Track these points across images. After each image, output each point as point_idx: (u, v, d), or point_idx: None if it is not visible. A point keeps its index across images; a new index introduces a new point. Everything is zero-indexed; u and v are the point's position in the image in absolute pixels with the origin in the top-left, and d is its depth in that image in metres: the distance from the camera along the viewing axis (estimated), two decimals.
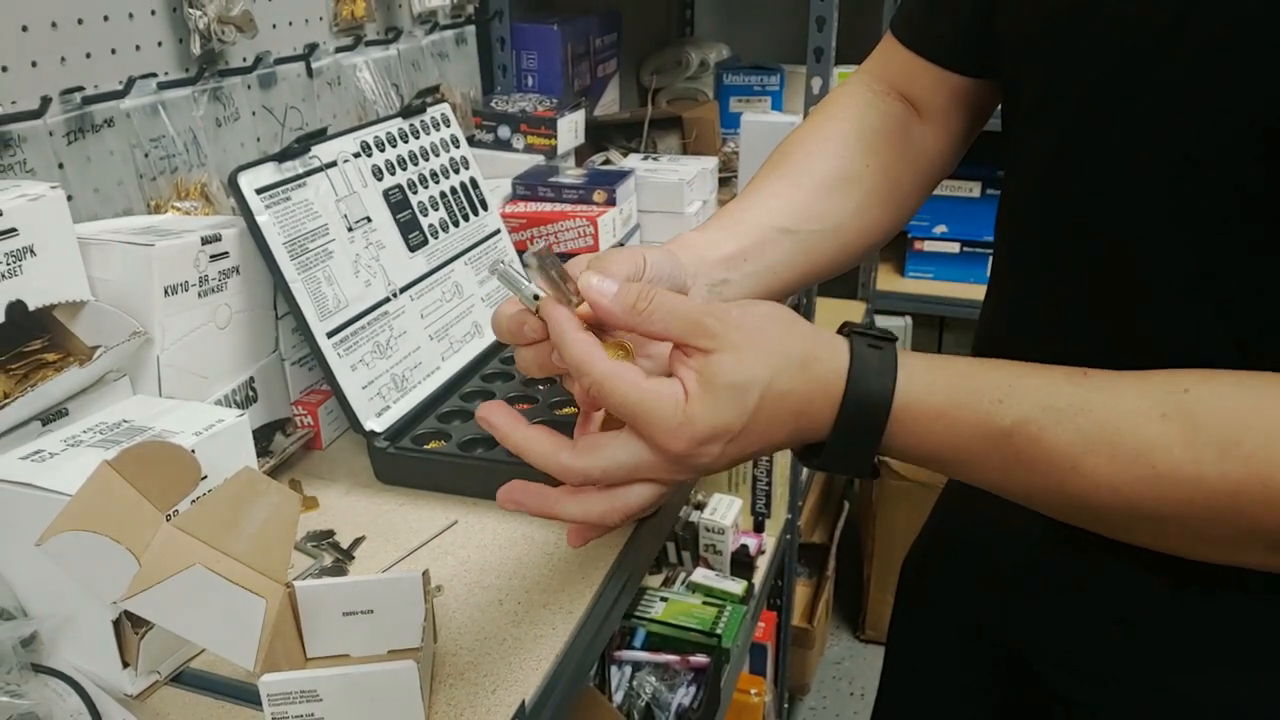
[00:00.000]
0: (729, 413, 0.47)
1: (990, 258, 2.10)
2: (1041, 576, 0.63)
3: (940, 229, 2.19)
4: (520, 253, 0.50)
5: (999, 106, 0.67)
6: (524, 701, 0.58)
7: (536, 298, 0.49)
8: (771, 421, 0.47)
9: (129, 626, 0.58)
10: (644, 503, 0.50)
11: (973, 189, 2.15)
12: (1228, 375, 0.45)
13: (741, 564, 1.44)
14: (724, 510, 1.43)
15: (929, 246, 2.22)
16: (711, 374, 0.47)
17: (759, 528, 1.56)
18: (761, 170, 0.68)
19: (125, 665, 0.58)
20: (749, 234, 0.63)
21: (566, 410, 0.86)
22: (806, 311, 1.48)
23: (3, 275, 0.62)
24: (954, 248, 2.19)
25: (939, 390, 0.47)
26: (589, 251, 1.13)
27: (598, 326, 0.50)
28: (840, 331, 0.50)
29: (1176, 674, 0.57)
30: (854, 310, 2.24)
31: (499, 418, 0.51)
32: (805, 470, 1.68)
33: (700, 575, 1.40)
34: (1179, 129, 0.49)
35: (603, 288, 0.48)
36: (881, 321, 2.31)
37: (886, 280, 2.27)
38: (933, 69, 0.68)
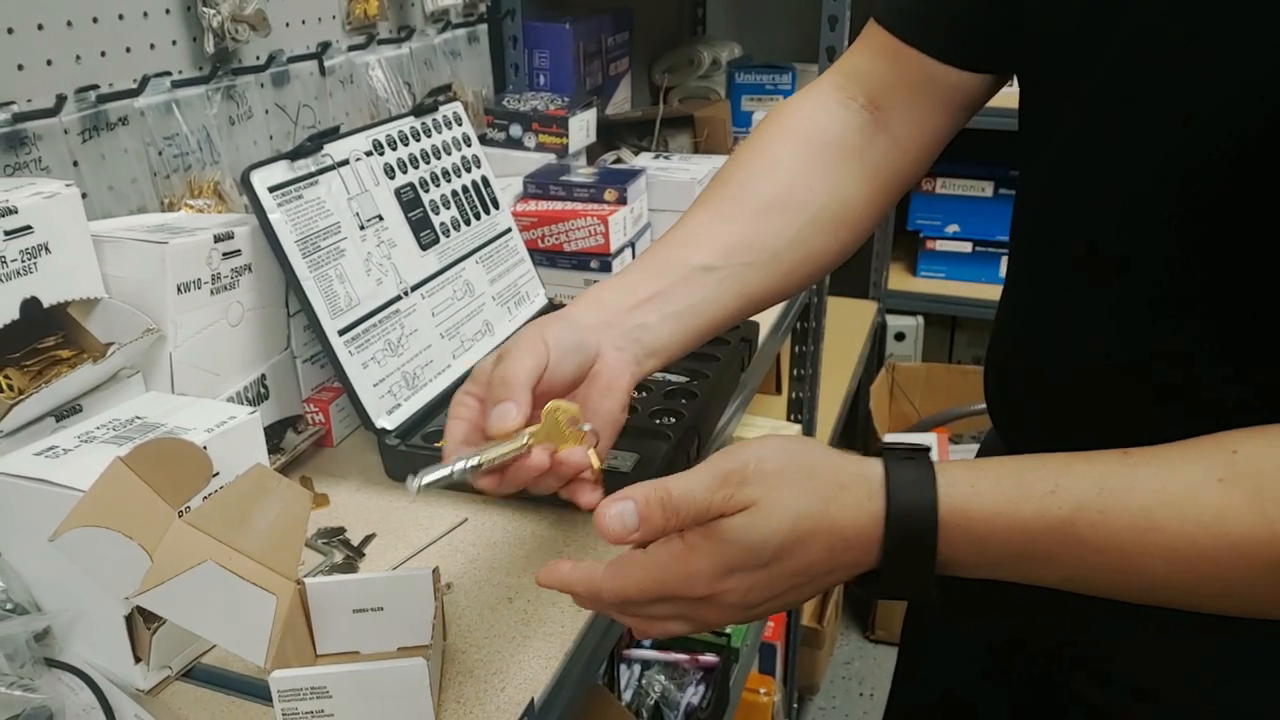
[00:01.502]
0: (743, 555, 0.45)
1: (1003, 258, 2.09)
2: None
3: (953, 228, 2.18)
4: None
5: (984, 105, 0.66)
6: (533, 699, 0.58)
7: (470, 465, 0.51)
8: (800, 560, 0.46)
9: (141, 622, 0.58)
10: (677, 627, 0.49)
11: (985, 189, 2.14)
12: (1269, 430, 0.44)
13: None
14: None
15: (941, 246, 2.21)
16: (720, 532, 0.46)
17: None
18: (697, 200, 0.66)
19: (137, 660, 0.59)
20: (667, 274, 0.61)
21: None
22: (816, 312, 1.48)
23: (18, 272, 0.63)
24: (966, 247, 2.18)
25: (986, 491, 0.45)
26: (599, 251, 1.14)
27: (539, 400, 0.53)
28: (872, 453, 0.48)
29: (1199, 680, 0.57)
30: (865, 309, 2.23)
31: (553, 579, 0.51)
32: None
33: None
34: (1189, 138, 0.48)
35: (626, 524, 0.47)
36: (893, 321, 2.31)
37: (898, 280, 2.27)
38: (922, 61, 0.64)
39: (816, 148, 0.65)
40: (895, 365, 2.31)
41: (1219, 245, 0.49)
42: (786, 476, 0.46)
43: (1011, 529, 0.44)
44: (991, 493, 0.45)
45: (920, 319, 2.33)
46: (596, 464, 0.55)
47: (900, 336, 2.35)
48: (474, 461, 0.51)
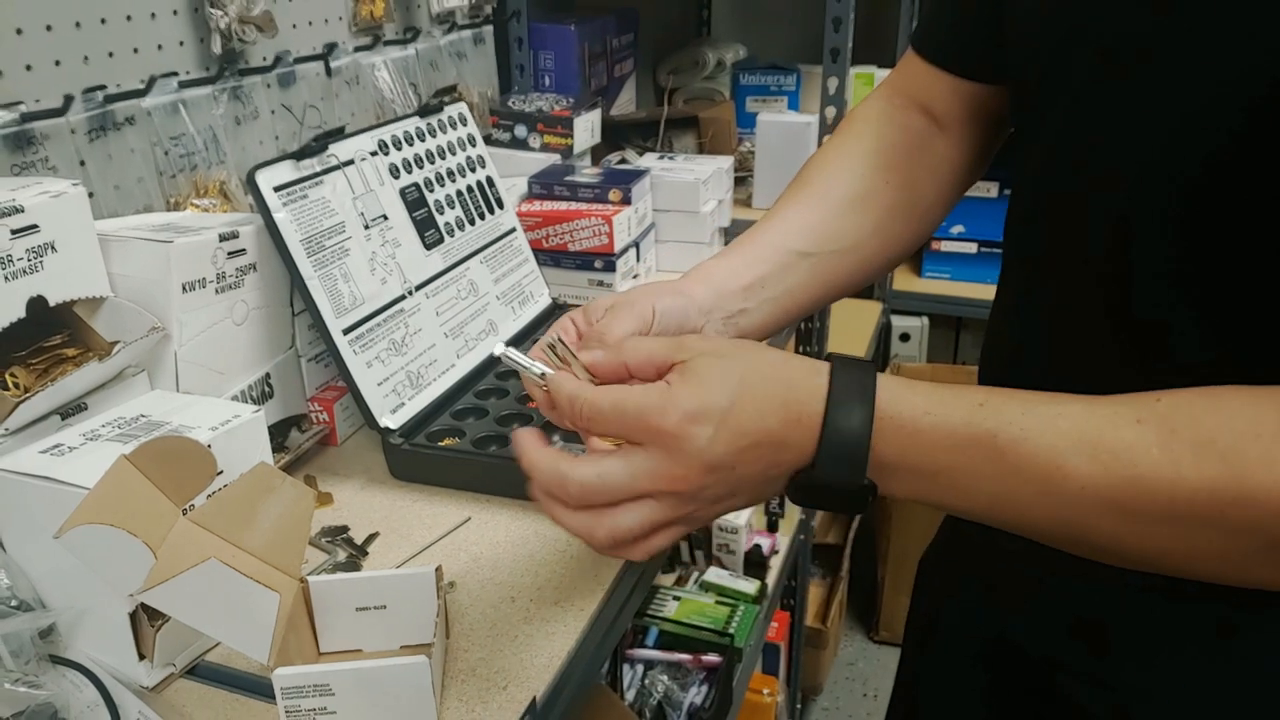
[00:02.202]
0: (711, 391, 0.47)
1: None
2: (1054, 576, 0.62)
3: (957, 229, 2.18)
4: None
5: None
6: (535, 698, 0.58)
7: (542, 375, 0.52)
8: (760, 405, 0.47)
9: (145, 619, 0.58)
10: (635, 522, 0.48)
11: (990, 189, 2.13)
12: (1193, 389, 0.45)
13: (754, 564, 1.44)
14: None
15: (946, 247, 2.21)
16: (691, 368, 0.48)
17: (772, 528, 1.56)
18: (782, 195, 0.71)
19: (141, 658, 0.59)
20: (769, 259, 0.65)
21: None
22: (820, 312, 1.48)
23: (24, 271, 0.63)
24: (971, 248, 2.17)
25: (919, 393, 0.47)
26: (603, 250, 1.14)
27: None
28: None
29: (1195, 691, 0.57)
30: (870, 310, 2.23)
31: (523, 441, 0.51)
32: None
33: (713, 574, 1.40)
34: (1156, 135, 0.50)
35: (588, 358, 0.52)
36: (898, 322, 2.31)
37: (903, 280, 2.26)
38: (949, 79, 0.70)
39: (885, 149, 0.70)
40: (900, 366, 2.30)
41: (1206, 245, 0.50)
42: (741, 343, 0.51)
43: (939, 430, 0.46)
44: (924, 392, 0.47)
45: (925, 320, 2.32)
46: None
47: (905, 337, 2.35)
48: (548, 372, 0.53)
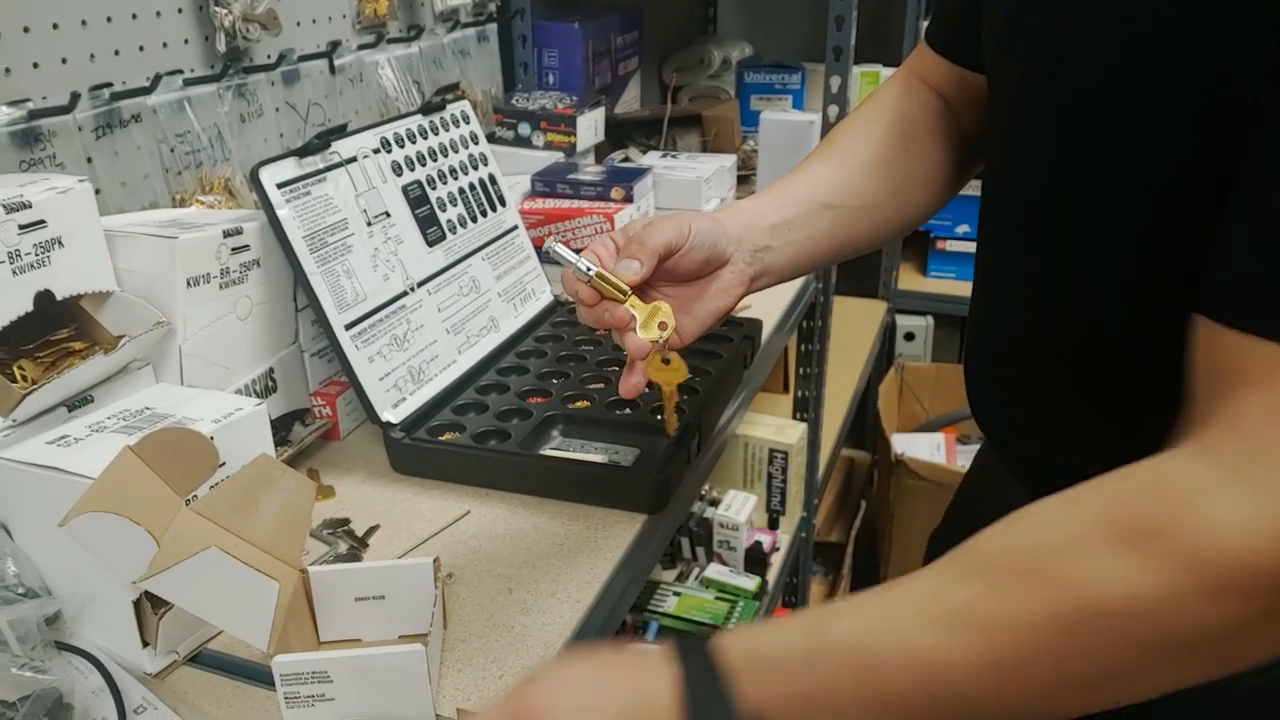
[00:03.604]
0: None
1: None
2: None
3: (963, 228, 2.18)
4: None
5: None
6: None
7: (588, 271, 0.60)
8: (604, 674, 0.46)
9: (149, 607, 0.59)
10: None
11: None
12: (995, 527, 0.45)
13: (755, 560, 1.44)
14: (738, 506, 1.43)
15: (951, 246, 2.21)
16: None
17: (773, 524, 1.56)
18: (812, 153, 0.76)
19: (145, 645, 0.60)
20: (795, 205, 0.70)
21: (579, 404, 0.87)
22: (822, 310, 1.49)
23: (31, 265, 0.64)
24: (976, 247, 2.18)
25: (763, 630, 0.46)
26: None
27: (640, 290, 0.61)
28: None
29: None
30: (875, 310, 2.23)
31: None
32: (821, 468, 1.68)
33: (714, 571, 1.40)
34: (1084, 129, 0.53)
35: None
36: (903, 321, 2.31)
37: (908, 280, 2.27)
38: (952, 67, 0.74)
39: (906, 120, 0.74)
40: (904, 365, 2.31)
41: (1151, 235, 0.53)
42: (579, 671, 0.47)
43: (784, 650, 0.44)
44: (769, 630, 0.45)
45: (930, 319, 2.33)
46: (652, 341, 0.62)
47: (910, 336, 2.35)
48: (593, 270, 0.60)
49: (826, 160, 0.73)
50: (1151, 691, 0.42)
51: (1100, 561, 0.40)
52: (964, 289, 2.19)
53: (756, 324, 1.04)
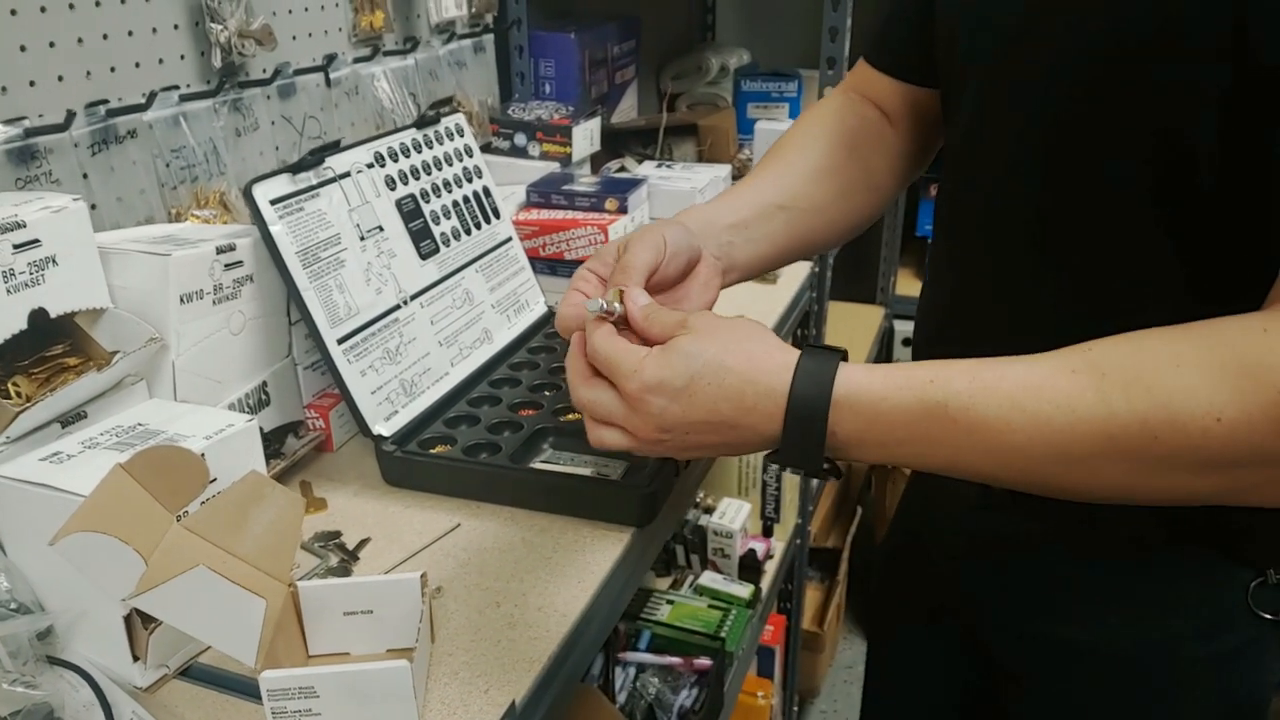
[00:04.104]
0: (672, 370, 0.54)
1: None
2: (980, 545, 0.73)
3: None
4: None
5: None
6: (514, 701, 0.60)
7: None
8: (714, 389, 0.54)
9: (139, 622, 0.60)
10: (615, 444, 0.58)
11: None
12: (1121, 335, 0.51)
13: (749, 568, 1.45)
14: (732, 514, 1.44)
15: None
16: (671, 344, 0.56)
17: (767, 532, 1.57)
18: (757, 165, 0.80)
19: (135, 659, 0.61)
20: (749, 207, 0.74)
21: (569, 416, 0.88)
22: (816, 319, 1.49)
23: (26, 284, 0.65)
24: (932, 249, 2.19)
25: (876, 379, 0.53)
26: None
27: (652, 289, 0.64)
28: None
29: (1088, 626, 0.68)
30: (873, 315, 2.24)
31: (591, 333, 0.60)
32: None
33: (708, 578, 1.42)
34: (1039, 122, 0.60)
35: (637, 299, 0.60)
36: (901, 326, 2.32)
37: (906, 285, 2.27)
38: (891, 82, 0.80)
39: (845, 132, 0.80)
40: None
41: (1084, 197, 0.59)
42: (734, 326, 0.57)
43: (895, 411, 0.52)
44: (880, 382, 0.53)
45: None
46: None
47: (908, 342, 2.36)
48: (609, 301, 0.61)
49: (773, 169, 0.78)
50: (1187, 499, 0.50)
51: (1192, 381, 0.47)
52: None
53: None
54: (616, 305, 0.60)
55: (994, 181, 0.66)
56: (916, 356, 0.75)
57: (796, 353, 0.55)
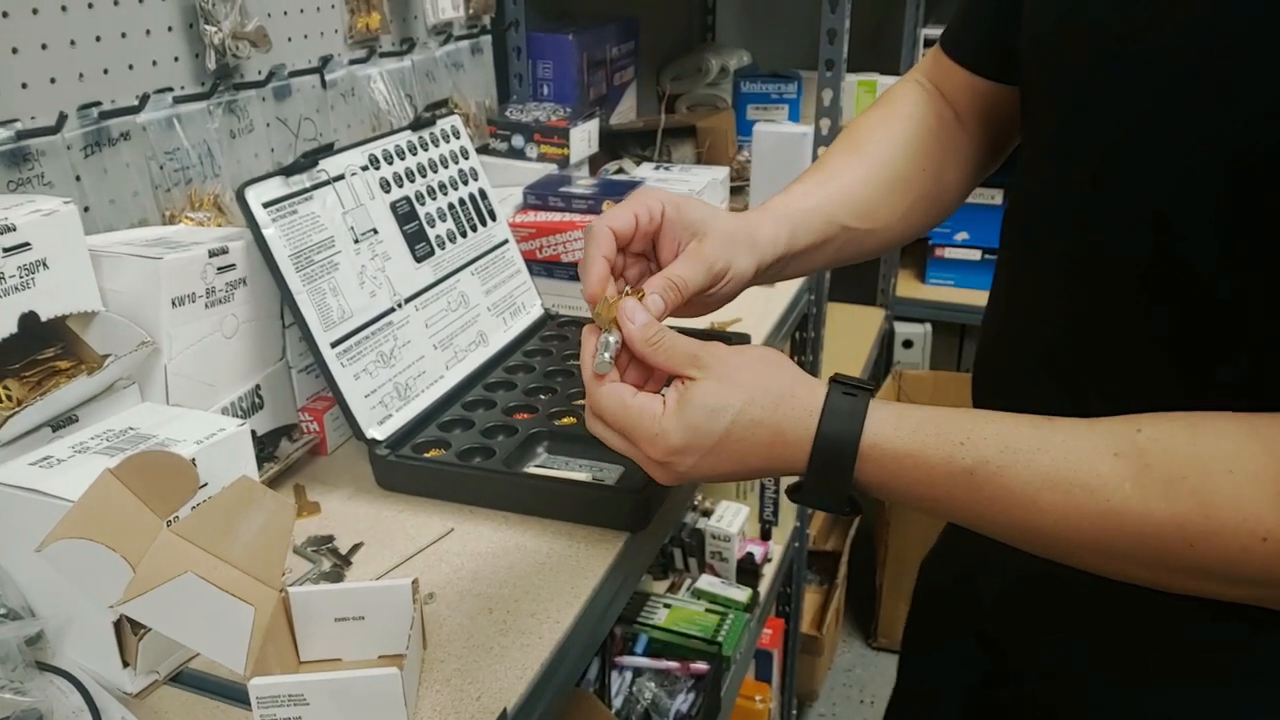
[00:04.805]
0: (697, 432, 0.52)
1: None
2: (1029, 582, 0.65)
3: (961, 236, 2.18)
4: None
5: None
6: (505, 709, 0.59)
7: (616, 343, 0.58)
8: (744, 445, 0.53)
9: (129, 628, 0.60)
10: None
11: (994, 196, 2.14)
12: (1179, 416, 0.47)
13: (747, 571, 1.45)
14: (730, 518, 1.44)
15: (950, 254, 2.21)
16: (690, 396, 0.53)
17: (766, 535, 1.57)
18: (839, 151, 0.74)
19: (125, 665, 0.61)
20: (820, 230, 0.69)
21: (564, 420, 0.87)
22: (815, 322, 1.49)
23: (16, 288, 0.65)
24: (975, 255, 2.18)
25: (905, 433, 0.50)
26: None
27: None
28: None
29: (1143, 687, 0.59)
30: (873, 316, 2.24)
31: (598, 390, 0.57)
32: None
33: (705, 582, 1.41)
34: (1147, 135, 0.51)
35: (634, 316, 0.57)
36: (901, 328, 2.31)
37: (907, 287, 2.27)
38: (968, 76, 0.73)
39: (924, 134, 0.73)
40: (902, 373, 2.31)
41: (1179, 247, 0.51)
42: (754, 367, 0.54)
43: (920, 469, 0.50)
44: (910, 436, 0.50)
45: (928, 326, 2.33)
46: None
47: (908, 344, 2.35)
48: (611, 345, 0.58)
49: (854, 170, 0.72)
50: (1215, 598, 0.47)
51: (1244, 492, 0.43)
52: (963, 296, 2.21)
53: (745, 339, 1.04)
54: (613, 340, 0.57)
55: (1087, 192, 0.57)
56: (977, 368, 0.71)
57: (823, 391, 0.52)
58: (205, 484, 0.62)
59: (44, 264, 0.66)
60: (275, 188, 0.81)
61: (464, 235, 1.00)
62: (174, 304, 0.73)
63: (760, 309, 1.20)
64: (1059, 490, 0.47)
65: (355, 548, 0.76)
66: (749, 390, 0.53)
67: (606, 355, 0.56)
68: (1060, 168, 0.59)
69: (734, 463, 0.53)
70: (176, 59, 0.95)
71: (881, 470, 0.51)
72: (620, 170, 1.51)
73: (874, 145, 0.73)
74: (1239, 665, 0.56)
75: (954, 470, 0.49)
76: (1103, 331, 0.57)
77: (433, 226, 0.96)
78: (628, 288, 0.61)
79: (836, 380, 0.53)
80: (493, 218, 1.05)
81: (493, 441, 0.84)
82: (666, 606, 1.35)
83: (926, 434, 0.50)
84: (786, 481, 0.57)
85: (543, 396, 0.91)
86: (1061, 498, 0.47)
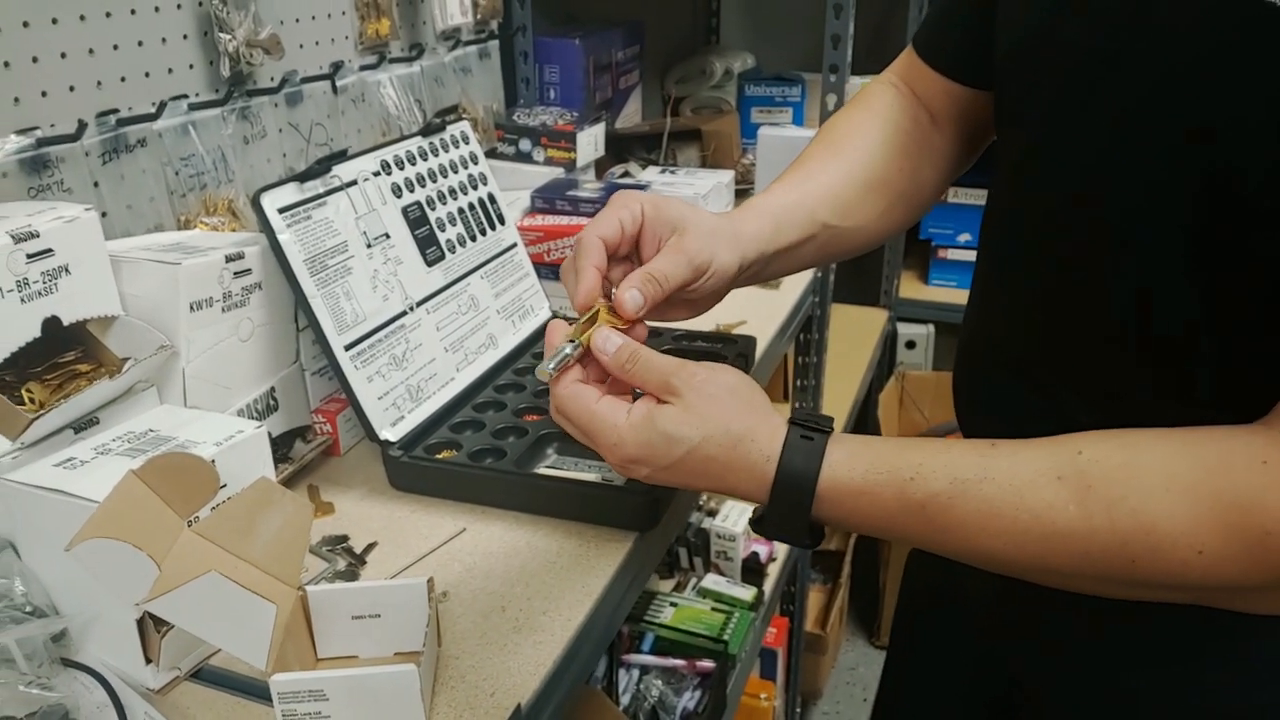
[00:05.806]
0: (653, 451, 0.55)
1: None
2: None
3: (964, 237, 2.20)
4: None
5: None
6: (519, 705, 0.61)
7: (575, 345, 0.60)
8: (696, 472, 0.56)
9: (152, 625, 0.61)
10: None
11: None
12: (1117, 435, 0.50)
13: (752, 570, 1.46)
14: (735, 517, 1.45)
15: (952, 255, 2.22)
16: (653, 417, 0.55)
17: None
18: (816, 151, 0.75)
19: (148, 661, 0.62)
20: (802, 228, 0.70)
21: None
22: (819, 323, 1.50)
23: (40, 293, 0.66)
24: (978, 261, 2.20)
25: (858, 473, 0.53)
26: None
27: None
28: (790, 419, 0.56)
29: (1130, 671, 0.62)
30: (876, 318, 2.25)
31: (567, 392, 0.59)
32: None
33: (711, 581, 1.42)
34: (1117, 154, 0.53)
35: (605, 347, 0.58)
36: (904, 329, 2.33)
37: (909, 288, 2.28)
38: (942, 80, 0.74)
39: (900, 135, 0.74)
40: (905, 374, 2.32)
41: (1154, 262, 0.53)
42: (721, 399, 0.56)
43: (875, 506, 0.53)
44: (863, 476, 0.53)
45: (931, 327, 2.34)
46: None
47: (911, 344, 2.37)
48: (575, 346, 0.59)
49: (832, 170, 0.73)
50: (1164, 601, 0.50)
51: (1180, 509, 0.46)
52: (965, 297, 2.21)
53: (750, 341, 1.05)
54: (568, 350, 0.58)
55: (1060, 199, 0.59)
56: (957, 372, 0.73)
57: (783, 431, 0.55)
58: (224, 485, 0.63)
59: (66, 269, 0.68)
60: (290, 193, 0.82)
61: (474, 239, 1.02)
62: (192, 308, 0.75)
63: (765, 311, 1.21)
64: (1006, 518, 0.49)
65: (369, 547, 0.77)
66: (709, 426, 0.54)
67: (550, 366, 0.58)
68: (1031, 183, 0.61)
69: (690, 480, 0.56)
70: (192, 66, 0.96)
71: (838, 508, 0.54)
72: (626, 174, 1.52)
73: (852, 146, 0.74)
74: (1216, 647, 0.58)
75: (907, 505, 0.52)
76: (1074, 340, 0.59)
77: (443, 231, 0.98)
78: (614, 289, 0.62)
79: (795, 422, 0.55)
80: (502, 222, 1.07)
81: (503, 442, 0.85)
82: (673, 605, 1.36)
83: (879, 472, 0.53)
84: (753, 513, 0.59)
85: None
86: (1009, 524, 0.49)
